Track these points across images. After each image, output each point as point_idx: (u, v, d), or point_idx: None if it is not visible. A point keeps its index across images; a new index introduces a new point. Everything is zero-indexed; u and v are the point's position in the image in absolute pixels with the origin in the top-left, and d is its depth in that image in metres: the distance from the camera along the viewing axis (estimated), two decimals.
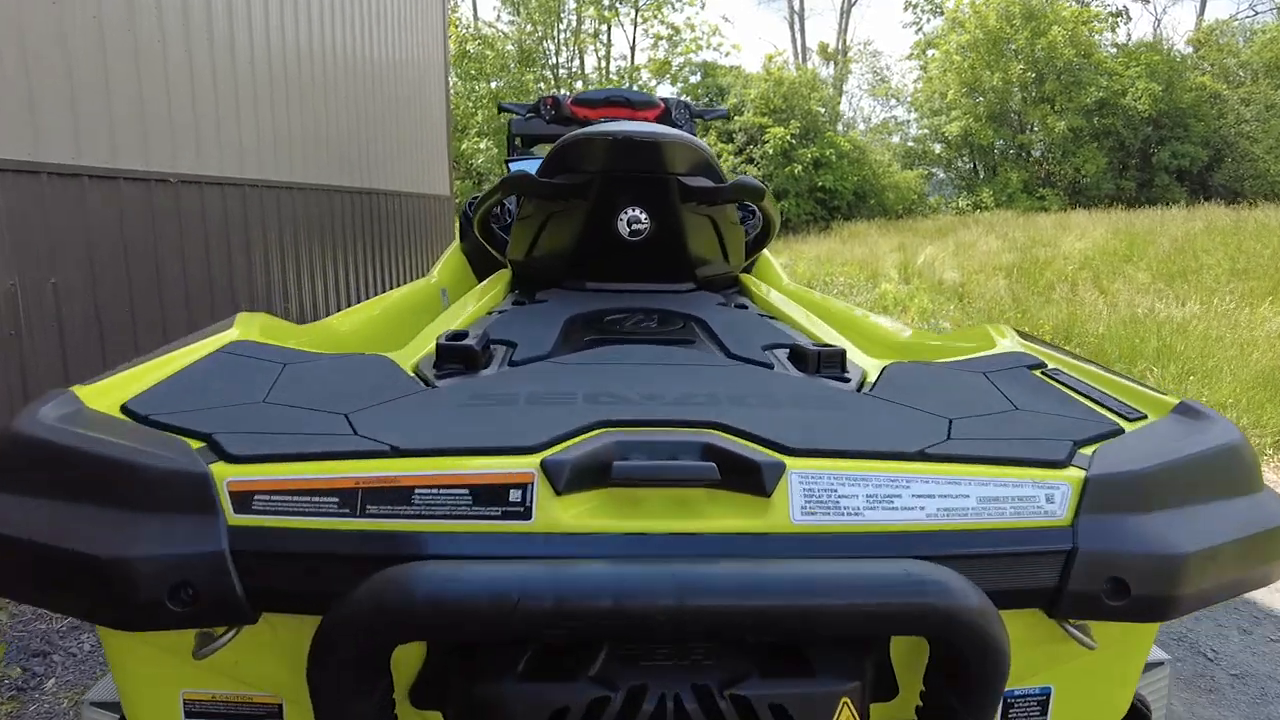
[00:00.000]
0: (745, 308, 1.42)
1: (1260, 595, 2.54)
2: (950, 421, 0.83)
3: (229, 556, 0.66)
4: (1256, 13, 26.36)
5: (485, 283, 1.63)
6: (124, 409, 0.78)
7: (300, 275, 4.94)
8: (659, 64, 24.15)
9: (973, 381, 0.97)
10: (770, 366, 1.03)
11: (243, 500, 0.68)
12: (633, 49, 30.04)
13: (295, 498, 0.69)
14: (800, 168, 20.56)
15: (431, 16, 7.84)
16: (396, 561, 0.66)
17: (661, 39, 24.20)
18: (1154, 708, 0.92)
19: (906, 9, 29.26)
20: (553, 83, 22.60)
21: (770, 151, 20.72)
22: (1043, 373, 1.01)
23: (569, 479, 0.70)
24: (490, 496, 0.70)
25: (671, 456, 0.73)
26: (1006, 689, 0.78)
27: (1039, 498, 0.74)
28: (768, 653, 0.72)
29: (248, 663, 0.76)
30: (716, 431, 0.77)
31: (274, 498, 0.69)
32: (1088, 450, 0.79)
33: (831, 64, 29.83)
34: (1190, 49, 23.90)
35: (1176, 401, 0.88)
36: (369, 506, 0.69)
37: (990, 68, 22.44)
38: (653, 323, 1.27)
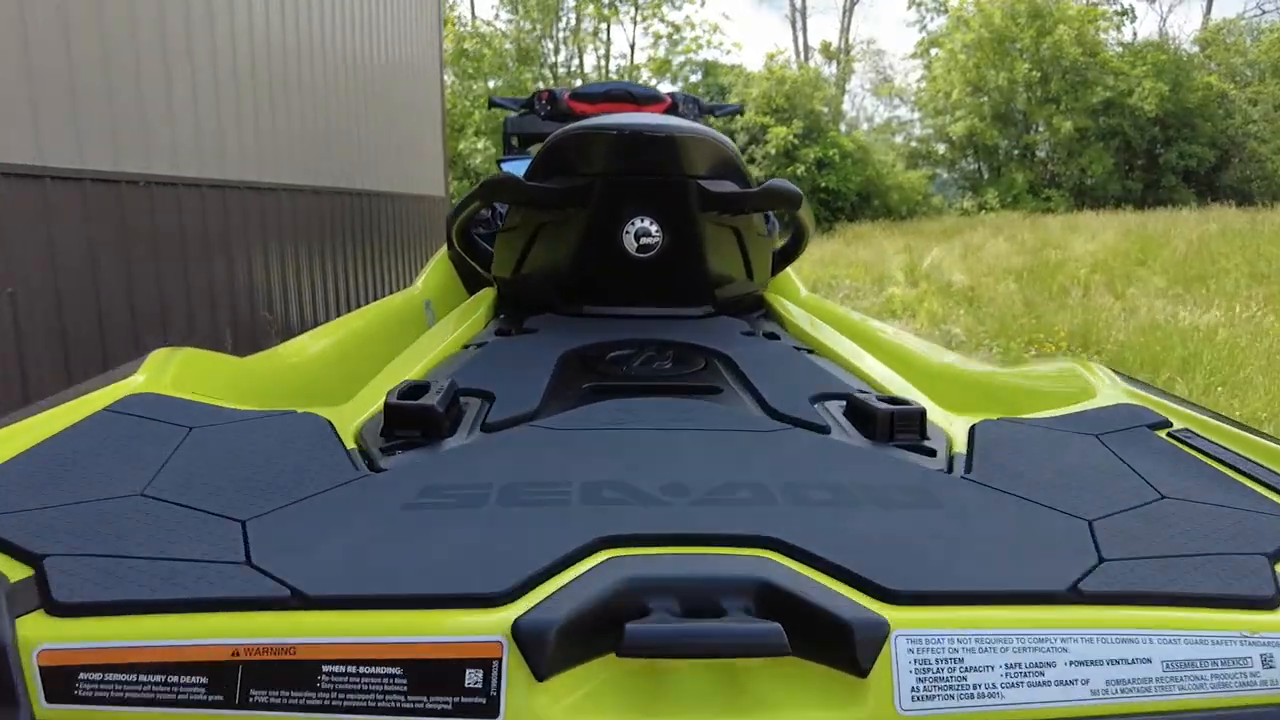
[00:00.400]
0: (776, 338, 1.18)
1: None
2: (1090, 524, 0.59)
3: None
4: (1264, 11, 26.07)
5: (464, 305, 1.39)
6: None
7: (286, 282, 4.71)
8: (659, 63, 23.94)
9: (1092, 453, 0.72)
10: (827, 430, 0.79)
11: (61, 681, 0.45)
12: (632, 48, 29.90)
13: (139, 677, 0.45)
14: (803, 168, 20.24)
15: (426, 12, 7.62)
16: None
17: (662, 37, 24.04)
18: None
19: (910, 7, 29.09)
20: (551, 82, 22.36)
21: (772, 151, 20.41)
22: (1169, 434, 0.78)
23: (555, 653, 0.47)
24: (435, 680, 0.47)
25: (713, 605, 0.49)
26: None
27: (1251, 659, 0.50)
28: None
29: None
30: (774, 555, 0.53)
31: (107, 677, 0.45)
32: None
33: (834, 63, 29.55)
34: (1197, 48, 23.67)
35: None
36: (252, 692, 0.46)
37: (995, 67, 22.12)
38: (667, 362, 1.02)
